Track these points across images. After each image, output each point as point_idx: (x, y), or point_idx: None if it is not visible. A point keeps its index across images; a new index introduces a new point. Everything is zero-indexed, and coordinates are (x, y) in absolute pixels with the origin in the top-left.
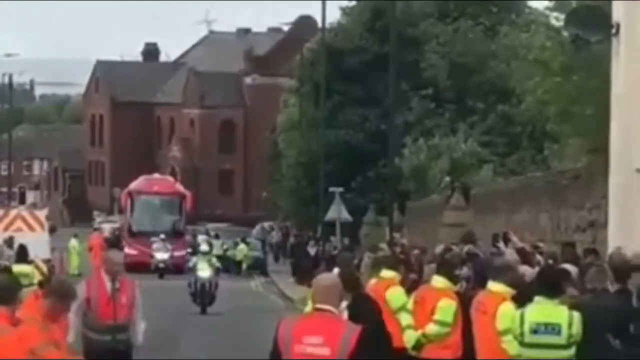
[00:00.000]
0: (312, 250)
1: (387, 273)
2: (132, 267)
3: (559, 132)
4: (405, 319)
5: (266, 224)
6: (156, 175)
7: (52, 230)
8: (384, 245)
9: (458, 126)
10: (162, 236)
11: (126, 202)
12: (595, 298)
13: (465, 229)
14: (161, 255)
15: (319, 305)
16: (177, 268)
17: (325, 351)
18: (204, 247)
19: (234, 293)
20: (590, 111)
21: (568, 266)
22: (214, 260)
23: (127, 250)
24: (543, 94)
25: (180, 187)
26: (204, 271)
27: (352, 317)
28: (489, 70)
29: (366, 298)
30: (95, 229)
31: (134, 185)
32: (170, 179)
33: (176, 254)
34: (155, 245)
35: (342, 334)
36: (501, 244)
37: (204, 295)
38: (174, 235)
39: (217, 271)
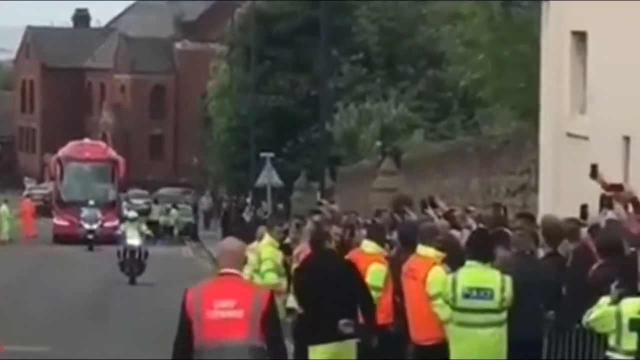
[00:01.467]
0: (247, 217)
1: None
2: (62, 237)
3: (489, 97)
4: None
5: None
6: (87, 141)
7: None
8: (324, 209)
9: (389, 91)
10: (92, 202)
11: (55, 169)
12: (524, 263)
13: (399, 194)
14: (90, 225)
15: (225, 270)
16: (108, 238)
17: (238, 313)
18: (132, 213)
19: (165, 260)
20: (520, 77)
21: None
22: (144, 227)
23: (56, 220)
24: (471, 65)
25: (112, 153)
26: (133, 239)
27: (316, 271)
28: (419, 35)
29: (332, 253)
30: (28, 196)
31: (63, 151)
32: (102, 144)
33: (107, 224)
34: (84, 215)
35: (253, 296)
36: (430, 210)
37: (132, 265)
38: (106, 203)
39: (147, 238)
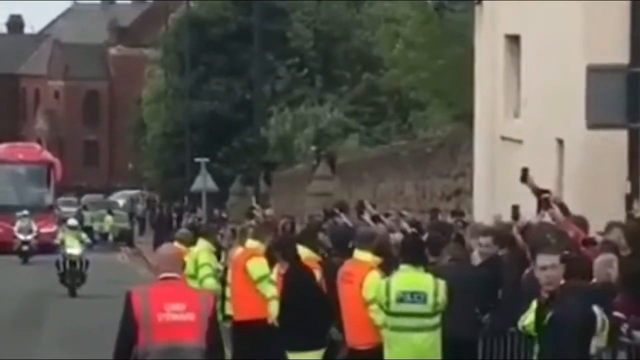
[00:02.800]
0: (187, 221)
1: (251, 243)
2: None
3: (423, 101)
4: (270, 289)
5: (131, 192)
6: (20, 143)
7: None
8: (257, 213)
9: (325, 96)
10: (26, 212)
11: None
12: (459, 268)
13: (337, 199)
14: (24, 236)
15: (166, 274)
16: (44, 248)
17: (190, 317)
18: (71, 221)
19: (101, 266)
20: (455, 80)
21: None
22: (84, 235)
23: None
24: (407, 64)
25: (47, 155)
26: (73, 248)
27: (288, 286)
28: (354, 39)
29: (304, 268)
30: None
31: None
32: (37, 146)
33: (43, 230)
34: (18, 225)
35: (201, 300)
36: (366, 215)
37: (73, 275)
38: (41, 210)
39: (88, 247)
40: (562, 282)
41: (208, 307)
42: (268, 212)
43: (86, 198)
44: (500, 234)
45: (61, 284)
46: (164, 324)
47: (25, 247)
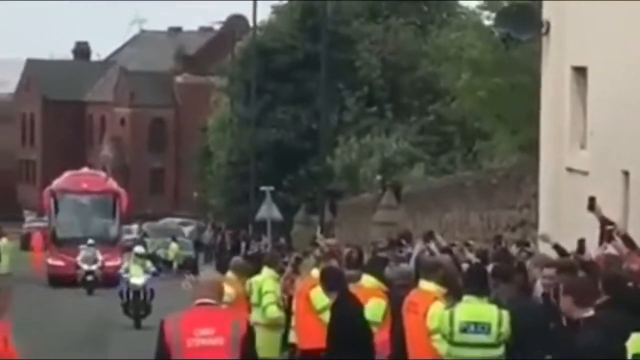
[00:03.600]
0: (252, 249)
1: (315, 272)
2: (57, 279)
3: (489, 130)
4: None
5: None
6: (85, 170)
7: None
8: (321, 242)
9: (393, 126)
10: (91, 241)
11: (49, 202)
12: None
13: (400, 229)
14: (89, 266)
15: (202, 300)
16: (109, 280)
17: (219, 341)
18: (137, 248)
19: (165, 294)
20: (521, 109)
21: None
22: (149, 264)
23: (50, 260)
24: (474, 92)
25: (113, 184)
26: (138, 277)
27: (336, 318)
28: (421, 70)
29: (352, 298)
30: (39, 228)
31: (58, 182)
32: (102, 174)
33: (108, 263)
34: (82, 254)
35: (232, 323)
36: (432, 245)
37: (137, 306)
38: (106, 241)
39: (153, 275)
40: None
41: (239, 332)
42: (330, 241)
43: (148, 225)
44: (564, 265)
45: (125, 315)
46: (194, 349)
47: (89, 277)
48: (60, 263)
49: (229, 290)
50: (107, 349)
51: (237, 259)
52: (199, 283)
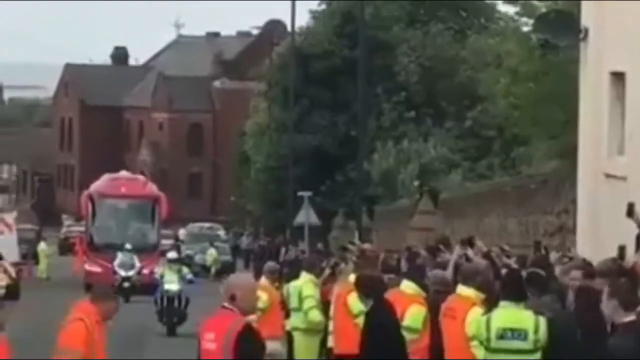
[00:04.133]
0: (292, 255)
1: (353, 277)
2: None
3: (527, 136)
4: None
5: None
6: (124, 174)
7: (38, 237)
8: (352, 247)
9: (430, 131)
10: (128, 246)
11: (87, 206)
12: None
13: (438, 234)
14: (125, 272)
15: (224, 304)
16: (147, 287)
17: (213, 346)
18: (171, 254)
19: (203, 300)
20: (559, 115)
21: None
22: (185, 270)
23: (87, 266)
24: (511, 98)
25: (153, 188)
26: (172, 284)
27: (371, 325)
28: (459, 75)
29: (387, 305)
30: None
31: (96, 186)
32: (141, 178)
33: (146, 270)
34: (119, 260)
35: (228, 328)
36: (469, 251)
37: (171, 313)
38: (145, 247)
39: (189, 282)
40: None
41: (231, 336)
42: (367, 246)
43: (188, 228)
44: (589, 267)
45: (159, 322)
46: (203, 352)
47: (126, 284)
48: (96, 269)
49: (262, 296)
50: (140, 357)
51: (270, 264)
52: (227, 286)
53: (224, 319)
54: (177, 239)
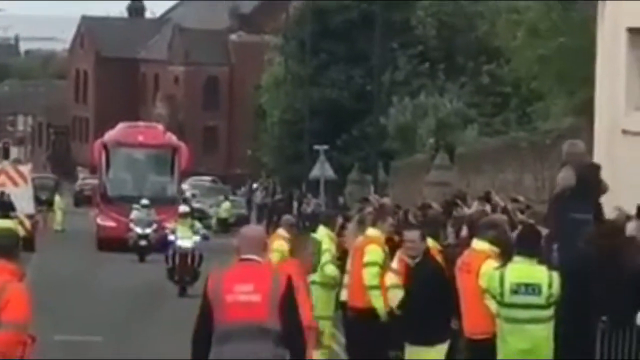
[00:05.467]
0: (309, 209)
1: (372, 231)
2: (107, 242)
3: (544, 92)
4: (390, 278)
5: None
6: (141, 123)
7: (57, 186)
8: (372, 198)
9: (446, 85)
10: (145, 201)
11: (100, 156)
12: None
13: (454, 189)
14: (142, 230)
15: (244, 256)
16: (165, 246)
17: (257, 297)
18: (182, 208)
19: (215, 253)
20: (576, 71)
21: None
22: (198, 225)
23: (100, 220)
24: (529, 53)
25: (172, 138)
26: (185, 240)
27: (417, 278)
28: (477, 31)
29: (431, 258)
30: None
31: (111, 134)
32: (159, 127)
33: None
34: (135, 215)
35: (271, 280)
36: (487, 207)
37: (183, 272)
38: (163, 201)
39: (204, 238)
40: None
41: (279, 288)
42: (385, 200)
43: (190, 182)
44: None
45: (170, 281)
46: (233, 304)
47: (142, 242)
48: (110, 223)
49: (284, 246)
50: (150, 319)
51: (287, 217)
52: (242, 238)
53: (259, 269)
54: (182, 192)
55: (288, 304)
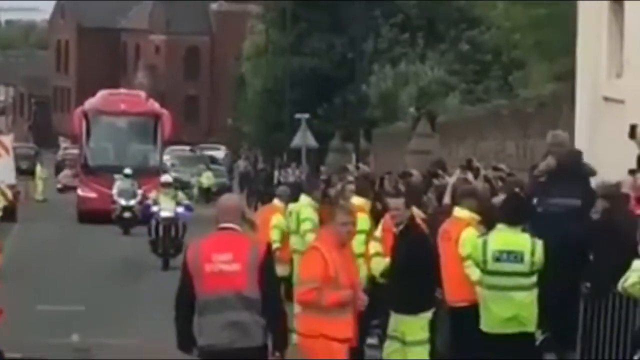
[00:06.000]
0: (291, 178)
1: (356, 199)
2: (88, 214)
3: (524, 59)
4: (373, 246)
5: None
6: (122, 91)
7: (37, 155)
8: (350, 167)
9: (427, 53)
10: (128, 171)
11: (80, 124)
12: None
13: (435, 157)
14: (126, 201)
15: (223, 225)
16: (149, 217)
17: (235, 267)
18: (165, 177)
19: (198, 225)
20: (557, 38)
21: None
22: (181, 195)
23: (80, 191)
24: (508, 21)
25: (155, 105)
26: (168, 211)
27: (400, 245)
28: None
29: (415, 226)
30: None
31: (91, 102)
32: (142, 93)
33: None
34: (118, 186)
35: (250, 249)
36: (469, 175)
37: (166, 244)
38: (146, 171)
39: (187, 209)
40: None
41: (258, 256)
42: (364, 167)
43: (170, 150)
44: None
45: (153, 254)
46: (212, 274)
47: (126, 214)
48: (92, 195)
49: (280, 218)
50: (133, 291)
51: (283, 187)
52: (220, 208)
53: (236, 238)
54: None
55: (267, 272)
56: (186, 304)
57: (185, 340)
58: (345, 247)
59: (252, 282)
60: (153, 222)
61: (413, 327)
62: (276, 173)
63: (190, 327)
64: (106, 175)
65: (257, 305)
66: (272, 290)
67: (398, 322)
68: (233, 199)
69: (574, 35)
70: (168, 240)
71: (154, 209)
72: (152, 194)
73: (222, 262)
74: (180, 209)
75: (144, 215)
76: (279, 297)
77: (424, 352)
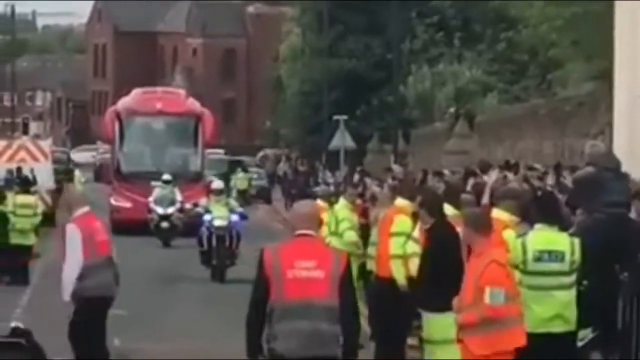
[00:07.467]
0: (330, 180)
1: (400, 201)
2: (122, 224)
3: (563, 58)
4: (411, 247)
5: (269, 151)
6: (158, 89)
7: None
8: (395, 167)
9: (464, 54)
10: (167, 177)
11: (113, 126)
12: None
13: (473, 157)
14: (164, 209)
15: (301, 231)
16: (193, 227)
17: (320, 274)
18: (216, 183)
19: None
20: (595, 37)
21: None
22: (233, 202)
23: (114, 200)
24: (546, 20)
25: (195, 104)
26: (221, 219)
27: (434, 242)
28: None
29: (447, 225)
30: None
31: (125, 101)
32: (181, 92)
33: (190, 206)
34: (156, 194)
35: (332, 257)
36: (510, 175)
37: (220, 255)
38: (187, 176)
39: (242, 217)
40: None
41: (340, 266)
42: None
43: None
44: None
45: (203, 265)
46: (294, 280)
47: (165, 224)
48: (125, 204)
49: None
50: (181, 309)
51: (324, 188)
52: (296, 214)
53: (318, 246)
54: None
55: (346, 283)
56: (261, 311)
57: (255, 347)
58: None
59: (334, 291)
60: (205, 232)
61: (439, 325)
62: (320, 174)
63: (262, 334)
64: (142, 182)
65: (336, 314)
66: (351, 301)
67: (425, 321)
68: (309, 205)
69: (611, 34)
70: (223, 251)
71: (207, 217)
72: (202, 202)
73: (305, 268)
74: (234, 217)
75: (188, 227)
76: (357, 310)
77: (453, 351)
